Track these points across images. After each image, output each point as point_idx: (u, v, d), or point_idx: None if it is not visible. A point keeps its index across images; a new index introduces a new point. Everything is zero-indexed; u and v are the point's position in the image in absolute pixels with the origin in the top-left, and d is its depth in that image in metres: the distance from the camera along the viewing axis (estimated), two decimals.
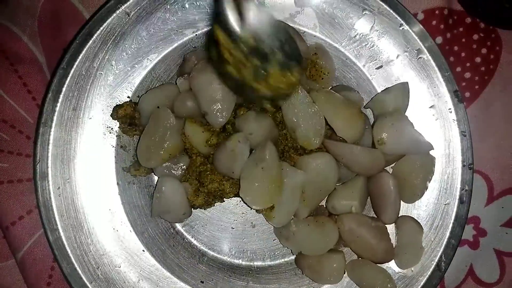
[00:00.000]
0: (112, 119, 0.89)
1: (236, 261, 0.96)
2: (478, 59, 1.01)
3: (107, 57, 0.88)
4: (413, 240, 0.90)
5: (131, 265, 0.90)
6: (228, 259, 0.96)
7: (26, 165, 0.91)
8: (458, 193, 0.92)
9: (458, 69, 1.01)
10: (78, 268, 0.86)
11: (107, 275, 0.88)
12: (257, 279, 0.94)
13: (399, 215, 0.91)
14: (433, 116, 0.93)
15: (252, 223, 0.96)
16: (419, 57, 0.92)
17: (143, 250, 0.91)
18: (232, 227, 0.96)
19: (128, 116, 0.88)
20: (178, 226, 0.95)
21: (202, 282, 0.92)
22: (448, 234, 0.91)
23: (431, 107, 0.92)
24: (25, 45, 0.94)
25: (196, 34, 0.91)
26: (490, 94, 1.01)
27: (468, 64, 1.01)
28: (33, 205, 0.90)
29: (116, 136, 0.91)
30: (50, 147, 0.86)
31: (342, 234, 0.88)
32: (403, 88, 0.91)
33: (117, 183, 0.91)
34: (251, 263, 0.96)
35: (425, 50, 0.92)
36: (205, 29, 0.91)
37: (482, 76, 1.02)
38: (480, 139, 0.99)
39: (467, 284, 1.00)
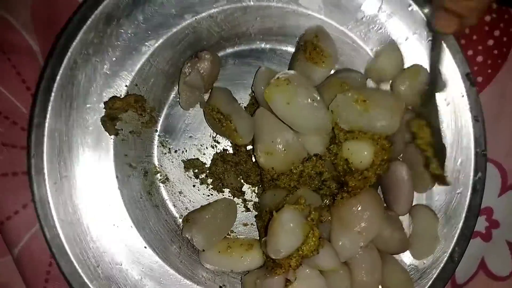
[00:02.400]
0: (104, 107, 0.85)
1: None
2: (490, 42, 0.98)
3: (102, 43, 0.84)
4: (428, 230, 0.88)
5: (133, 263, 0.87)
6: None
7: (22, 158, 0.87)
8: (471, 182, 0.89)
9: (470, 52, 0.98)
10: (77, 267, 0.83)
11: (108, 273, 0.85)
12: None
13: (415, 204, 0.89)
14: (445, 101, 0.89)
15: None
16: (429, 39, 0.89)
17: (145, 247, 0.88)
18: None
19: (122, 110, 0.86)
20: (180, 217, 0.92)
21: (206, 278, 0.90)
22: (461, 224, 0.89)
23: (442, 91, 0.89)
24: (19, 34, 0.90)
25: (195, 19, 0.87)
26: (504, 78, 0.98)
27: (480, 47, 0.98)
28: (29, 199, 0.86)
29: (116, 126, 0.87)
30: (45, 139, 0.82)
31: None
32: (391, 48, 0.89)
33: (116, 176, 0.87)
34: None
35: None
36: (205, 13, 0.87)
37: (495, 59, 0.99)
38: (493, 126, 0.96)
39: (479, 277, 0.98)
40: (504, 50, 0.98)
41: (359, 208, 0.81)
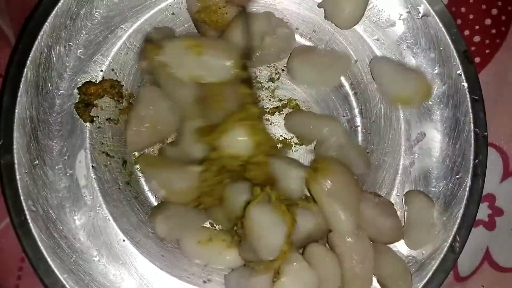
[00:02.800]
0: (78, 92, 0.82)
1: None
2: (488, 21, 0.95)
3: (75, 26, 0.81)
4: (424, 216, 0.84)
5: (111, 256, 0.82)
6: None
7: None
8: (471, 165, 0.85)
9: (467, 32, 0.94)
10: (50, 262, 0.79)
11: (84, 268, 0.81)
12: None
13: (407, 190, 0.86)
14: (441, 81, 0.86)
15: None
16: (423, 16, 0.85)
17: (123, 240, 0.83)
18: None
19: (96, 96, 0.82)
20: None
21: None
22: (461, 211, 0.84)
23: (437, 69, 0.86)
24: None
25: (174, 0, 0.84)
26: (503, 58, 0.95)
27: (477, 27, 0.95)
28: None
29: (90, 113, 0.83)
30: (15, 126, 0.78)
31: None
32: None
33: (92, 166, 0.83)
34: None
35: (429, 7, 0.85)
36: None
37: (493, 39, 0.95)
38: (493, 108, 0.92)
39: (483, 269, 0.93)
40: (503, 29, 0.95)
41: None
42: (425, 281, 0.83)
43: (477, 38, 0.94)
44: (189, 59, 0.77)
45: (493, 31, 0.95)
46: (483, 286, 0.91)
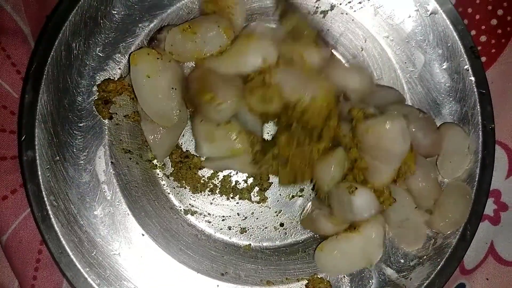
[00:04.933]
0: (97, 90, 0.83)
1: (245, 242, 0.90)
2: (494, 21, 0.96)
3: (95, 25, 0.82)
4: (458, 147, 0.86)
5: (130, 251, 0.83)
6: (236, 241, 0.90)
7: (11, 142, 0.84)
8: (479, 156, 0.87)
9: (473, 32, 0.96)
10: (71, 255, 0.79)
11: (104, 261, 0.81)
12: (267, 261, 0.88)
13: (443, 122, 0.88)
14: (449, 76, 0.88)
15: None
16: (431, 14, 0.87)
17: (143, 234, 0.84)
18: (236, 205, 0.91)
19: (115, 94, 0.83)
20: (179, 204, 0.89)
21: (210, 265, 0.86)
22: (472, 201, 0.86)
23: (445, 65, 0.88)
24: (8, 15, 0.87)
25: None
26: (508, 58, 0.96)
27: (483, 27, 0.96)
28: (17, 184, 0.83)
29: (109, 110, 0.84)
30: (37, 123, 0.79)
31: None
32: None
33: (111, 162, 0.84)
34: (260, 244, 0.90)
35: (437, 5, 0.87)
36: None
37: (499, 39, 0.96)
38: (499, 106, 0.93)
39: (488, 263, 0.93)
40: (508, 29, 0.96)
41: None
42: (438, 268, 0.85)
43: (483, 38, 0.96)
44: (186, 41, 0.80)
45: (499, 31, 0.96)
46: (487, 279, 0.91)
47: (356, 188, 0.78)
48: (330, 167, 0.80)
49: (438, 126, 0.86)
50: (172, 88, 0.81)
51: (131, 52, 0.82)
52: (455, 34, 0.87)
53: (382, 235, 0.82)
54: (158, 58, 0.79)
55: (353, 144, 0.80)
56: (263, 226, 0.90)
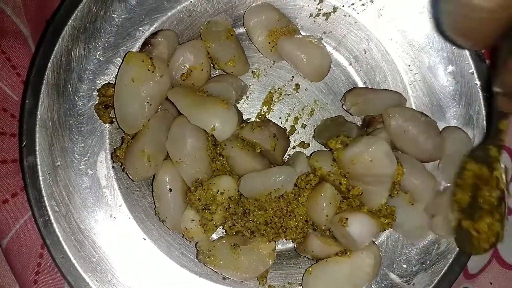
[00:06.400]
0: (97, 94, 0.82)
1: None
2: None
3: (94, 29, 0.82)
4: (460, 151, 0.84)
5: (131, 255, 0.83)
6: None
7: (11, 145, 0.85)
8: None
9: None
10: (72, 259, 0.80)
11: (105, 265, 0.82)
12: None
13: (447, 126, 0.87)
14: (453, 79, 0.86)
15: None
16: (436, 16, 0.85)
17: (144, 239, 0.84)
18: None
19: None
20: None
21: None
22: None
23: (450, 68, 0.86)
24: (8, 18, 0.87)
25: (190, 1, 0.85)
26: None
27: None
28: (18, 187, 0.83)
29: (110, 114, 0.83)
30: (37, 127, 0.79)
31: (387, 128, 0.81)
32: None
33: (112, 166, 0.84)
34: None
35: None
36: None
37: None
38: None
39: (492, 267, 0.92)
40: None
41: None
42: (442, 273, 0.84)
43: None
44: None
45: None
46: (491, 283, 0.91)
47: (347, 219, 0.77)
48: (322, 207, 0.79)
49: (440, 130, 0.85)
50: (147, 102, 0.79)
51: (130, 51, 0.81)
52: None
53: (372, 263, 0.80)
54: (149, 70, 0.78)
55: (341, 177, 0.80)
56: None
